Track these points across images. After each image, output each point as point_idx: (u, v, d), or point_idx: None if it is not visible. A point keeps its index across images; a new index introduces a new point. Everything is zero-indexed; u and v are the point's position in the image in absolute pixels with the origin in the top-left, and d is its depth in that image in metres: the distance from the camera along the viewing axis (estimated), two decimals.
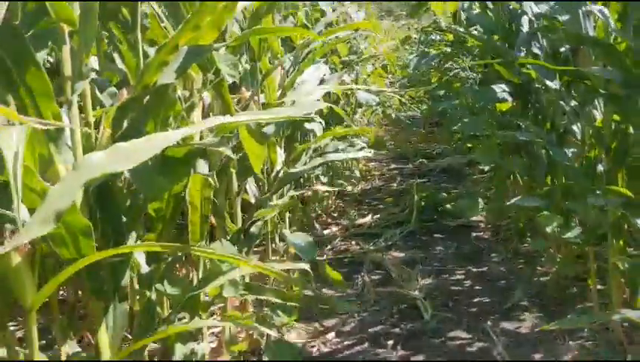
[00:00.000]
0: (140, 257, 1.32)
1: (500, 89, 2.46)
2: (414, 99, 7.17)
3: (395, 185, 4.78)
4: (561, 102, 2.11)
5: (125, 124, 1.09)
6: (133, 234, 1.16)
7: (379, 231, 3.46)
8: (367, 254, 3.07)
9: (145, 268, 1.33)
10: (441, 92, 3.98)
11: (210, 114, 1.59)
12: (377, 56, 3.66)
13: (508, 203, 2.02)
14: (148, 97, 1.06)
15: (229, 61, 1.17)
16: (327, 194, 3.76)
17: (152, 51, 1.46)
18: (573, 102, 2.03)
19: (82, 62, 0.98)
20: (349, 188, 4.49)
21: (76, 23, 0.97)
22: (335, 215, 3.81)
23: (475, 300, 2.45)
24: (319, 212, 3.78)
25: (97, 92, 1.38)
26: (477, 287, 2.59)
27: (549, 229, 2.19)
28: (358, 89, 3.59)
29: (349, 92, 3.76)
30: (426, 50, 3.99)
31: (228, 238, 1.74)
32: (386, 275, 2.80)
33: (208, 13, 1.03)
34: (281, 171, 2.40)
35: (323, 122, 3.41)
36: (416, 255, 3.06)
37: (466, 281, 2.67)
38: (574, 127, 2.07)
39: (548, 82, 2.11)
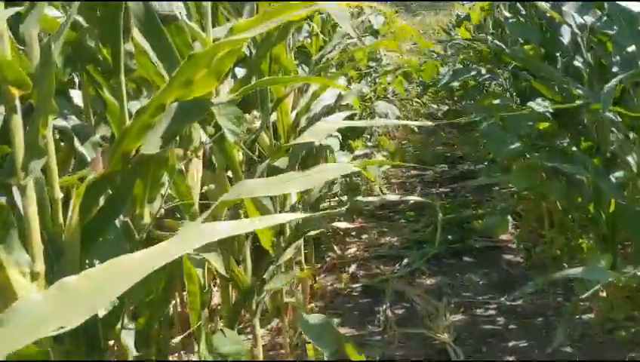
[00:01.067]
0: (128, 339, 1.11)
1: (540, 106, 2.21)
2: (435, 99, 6.90)
3: (415, 195, 4.53)
4: (613, 129, 1.86)
5: (101, 202, 0.87)
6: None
7: (401, 252, 3.23)
8: (390, 281, 2.85)
9: (134, 352, 1.12)
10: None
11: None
12: (397, 68, 3.41)
13: (559, 274, 1.78)
14: (127, 171, 0.84)
15: (232, 114, 0.94)
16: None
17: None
18: (631, 134, 1.78)
19: (38, 134, 0.76)
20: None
21: (29, 84, 0.75)
22: (353, 233, 3.58)
23: (511, 344, 2.21)
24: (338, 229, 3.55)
25: (77, 142, 1.16)
26: (512, 326, 2.35)
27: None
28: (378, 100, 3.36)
29: (368, 101, 3.52)
30: (456, 63, 3.73)
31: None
32: (410, 309, 2.57)
33: (203, 66, 0.81)
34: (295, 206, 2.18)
35: (340, 136, 3.19)
36: (443, 282, 2.83)
37: (498, 318, 2.43)
38: (629, 159, 1.82)
39: (596, 106, 1.86)
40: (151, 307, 1.02)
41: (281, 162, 1.77)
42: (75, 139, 1.16)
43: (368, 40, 3.25)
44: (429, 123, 2.27)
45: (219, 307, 1.93)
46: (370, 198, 2.91)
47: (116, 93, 1.03)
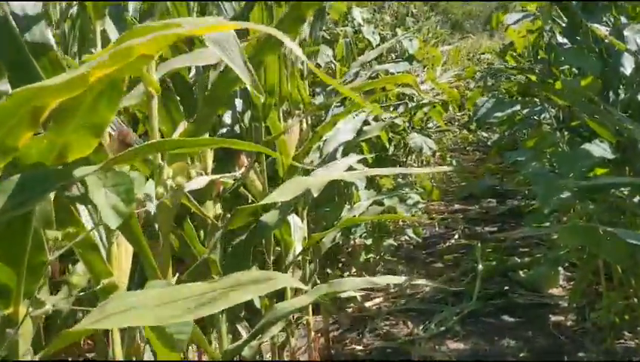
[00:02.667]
0: None
1: (599, 149, 1.82)
2: (485, 127, 6.47)
3: (457, 235, 4.13)
4: None
5: None
6: None
7: (433, 305, 2.85)
8: (416, 343, 2.48)
9: None
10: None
11: None
12: (434, 101, 3.06)
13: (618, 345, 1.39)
14: None
15: (122, 185, 0.64)
16: (372, 249, 3.18)
17: None
18: None
19: None
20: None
21: None
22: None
23: None
24: (363, 273, 3.21)
25: None
26: None
27: None
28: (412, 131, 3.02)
29: (402, 134, 3.18)
30: (496, 92, 3.36)
31: None
32: None
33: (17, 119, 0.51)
34: (299, 255, 1.87)
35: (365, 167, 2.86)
36: (479, 347, 2.44)
37: None
38: None
39: None
40: None
41: (270, 217, 1.46)
42: None
43: (402, 65, 2.93)
44: (458, 169, 1.91)
45: None
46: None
47: None
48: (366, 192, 2.60)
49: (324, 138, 1.91)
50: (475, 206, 5.04)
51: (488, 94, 3.58)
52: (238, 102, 1.72)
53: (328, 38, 2.71)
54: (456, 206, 5.10)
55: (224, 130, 1.78)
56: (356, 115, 2.21)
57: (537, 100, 2.27)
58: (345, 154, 2.53)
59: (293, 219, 1.93)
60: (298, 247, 1.89)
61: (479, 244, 3.28)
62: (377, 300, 2.95)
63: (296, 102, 1.95)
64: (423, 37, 3.91)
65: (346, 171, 1.72)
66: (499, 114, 2.02)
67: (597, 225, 1.82)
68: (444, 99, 3.32)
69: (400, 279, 1.66)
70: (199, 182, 1.20)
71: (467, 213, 4.82)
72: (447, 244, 3.92)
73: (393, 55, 3.03)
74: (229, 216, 1.43)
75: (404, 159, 3.26)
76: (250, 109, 1.54)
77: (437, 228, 4.37)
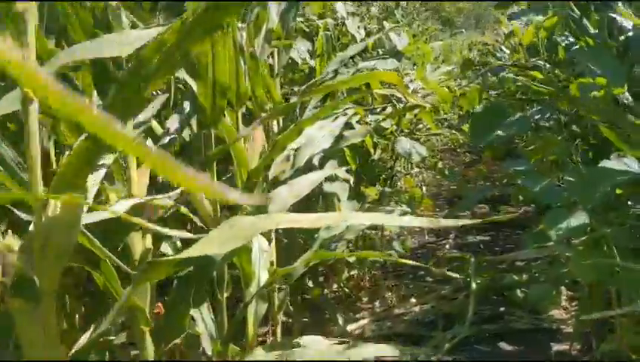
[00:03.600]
0: None
1: (622, 166, 1.54)
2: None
3: (448, 245, 3.85)
4: None
5: None
6: None
7: (421, 329, 2.57)
8: None
9: None
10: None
11: None
12: (421, 104, 2.76)
13: None
14: None
15: None
16: (356, 266, 2.89)
17: None
18: None
19: None
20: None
21: None
22: (365, 299, 2.93)
23: None
24: (346, 290, 2.91)
25: None
26: None
27: None
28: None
29: (389, 138, 2.89)
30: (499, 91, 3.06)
31: None
32: None
33: None
34: (265, 286, 1.57)
35: (352, 178, 2.57)
36: None
37: None
38: None
39: None
40: None
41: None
42: None
43: (390, 63, 2.63)
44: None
45: None
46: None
47: None
48: (349, 204, 2.31)
49: (294, 146, 1.61)
50: (466, 212, 4.77)
51: (487, 96, 3.29)
52: (187, 105, 1.42)
53: (307, 30, 2.41)
54: (447, 211, 4.83)
55: (168, 139, 1.49)
56: (336, 119, 1.92)
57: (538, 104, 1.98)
58: (323, 162, 2.24)
59: (257, 241, 1.64)
60: (263, 276, 1.60)
61: (472, 258, 2.99)
62: (362, 322, 2.66)
63: (263, 103, 1.65)
64: (413, 32, 3.62)
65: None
66: (501, 133, 1.71)
67: (615, 259, 1.54)
68: (434, 100, 3.03)
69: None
70: (119, 207, 0.91)
71: (459, 218, 4.54)
72: (438, 256, 3.64)
73: (380, 51, 2.73)
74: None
75: (392, 165, 2.97)
76: (197, 113, 1.24)
77: (426, 237, 4.10)
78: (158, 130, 1.56)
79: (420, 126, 3.99)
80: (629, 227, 1.67)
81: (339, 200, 2.43)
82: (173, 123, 1.54)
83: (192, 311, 1.36)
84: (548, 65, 2.07)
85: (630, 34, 1.67)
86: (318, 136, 1.85)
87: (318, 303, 2.64)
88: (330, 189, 2.36)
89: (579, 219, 1.60)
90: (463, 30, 8.83)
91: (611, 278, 1.55)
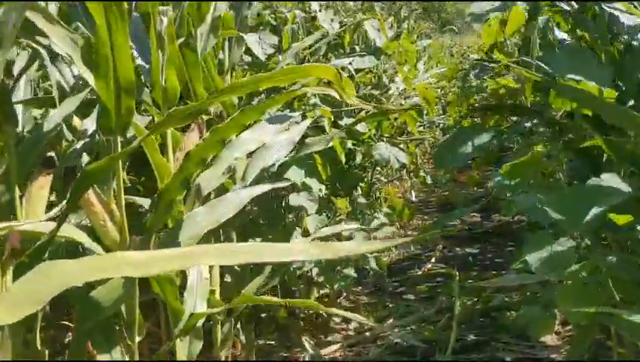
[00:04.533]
0: None
1: (615, 182, 1.29)
2: None
3: (434, 257, 3.60)
4: None
5: None
6: None
7: (400, 356, 2.32)
8: None
9: None
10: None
11: None
12: (407, 98, 2.52)
13: None
14: None
15: None
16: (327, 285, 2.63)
17: None
18: None
19: None
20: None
21: None
22: (339, 319, 2.67)
23: None
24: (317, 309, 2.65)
25: None
26: None
27: None
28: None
29: (368, 142, 2.63)
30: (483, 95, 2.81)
31: None
32: None
33: None
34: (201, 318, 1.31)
35: (324, 188, 2.31)
36: None
37: None
38: None
39: None
40: None
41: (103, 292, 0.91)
42: None
43: (367, 60, 2.38)
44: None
45: None
46: None
47: None
48: (316, 219, 2.06)
49: (238, 155, 1.35)
50: (456, 220, 4.52)
51: (473, 101, 3.03)
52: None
53: (274, 23, 2.15)
54: (436, 218, 4.58)
55: (82, 143, 1.24)
56: (297, 122, 1.67)
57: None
58: (283, 171, 2.00)
59: (196, 267, 1.38)
60: (200, 308, 1.34)
61: (457, 275, 2.74)
62: (334, 347, 2.41)
63: (200, 95, 1.39)
64: (401, 30, 3.36)
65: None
66: (465, 150, 1.44)
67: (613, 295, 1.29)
68: (421, 101, 2.77)
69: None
70: None
71: (447, 227, 4.29)
72: (422, 270, 3.39)
73: (357, 48, 2.48)
74: None
75: (370, 173, 2.72)
76: (99, 116, 0.98)
77: (412, 248, 3.84)
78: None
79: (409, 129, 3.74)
80: (631, 254, 1.42)
81: (307, 213, 2.19)
82: (89, 124, 1.29)
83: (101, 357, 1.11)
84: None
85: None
86: (273, 143, 1.61)
87: (284, 324, 2.39)
88: (297, 202, 2.11)
89: (564, 245, 1.36)
90: (455, 29, 8.55)
91: (609, 318, 1.30)
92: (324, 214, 2.17)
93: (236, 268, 1.72)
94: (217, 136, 0.98)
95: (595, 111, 1.24)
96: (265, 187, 1.27)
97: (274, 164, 1.70)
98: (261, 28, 2.10)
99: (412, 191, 5.12)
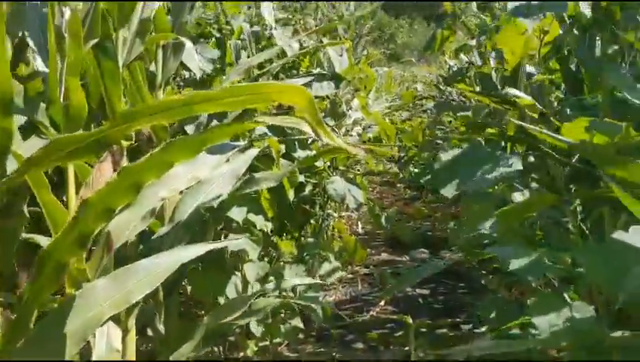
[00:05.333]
0: None
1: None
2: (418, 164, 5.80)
3: (383, 299, 3.35)
4: None
5: None
6: None
7: None
8: None
9: None
10: None
11: None
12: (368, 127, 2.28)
13: None
14: None
15: None
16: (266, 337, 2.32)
17: None
18: None
19: None
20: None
21: None
22: None
23: None
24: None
25: None
26: None
27: None
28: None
29: (321, 175, 2.37)
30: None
31: None
32: None
33: None
34: None
35: (269, 226, 2.02)
36: None
37: None
38: None
39: None
40: None
41: None
42: None
43: (325, 86, 2.13)
44: None
45: None
46: None
47: None
48: (257, 266, 1.77)
49: (163, 194, 1.05)
50: (404, 256, 4.31)
51: (430, 134, 2.82)
52: None
53: (218, 35, 1.87)
54: (384, 255, 4.35)
55: None
56: (241, 151, 1.39)
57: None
58: (227, 208, 1.70)
59: (104, 336, 1.06)
60: None
61: (411, 321, 2.49)
62: None
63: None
64: (356, 56, 3.15)
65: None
66: (486, 173, 1.18)
67: None
68: (379, 132, 2.54)
69: None
70: None
71: (397, 266, 4.07)
72: (371, 313, 3.13)
73: (315, 71, 2.22)
74: None
75: (322, 209, 2.45)
76: None
77: (360, 287, 3.58)
78: None
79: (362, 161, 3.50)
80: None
81: (248, 258, 1.89)
82: None
83: None
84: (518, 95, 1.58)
85: None
86: (212, 177, 1.31)
87: None
88: (235, 247, 1.81)
89: (582, 312, 1.11)
90: (413, 60, 8.46)
91: None
92: (265, 260, 1.88)
93: (160, 328, 1.39)
94: (129, 178, 0.69)
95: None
96: (201, 248, 0.97)
97: (214, 199, 1.41)
98: (201, 40, 1.81)
99: (359, 223, 4.91)
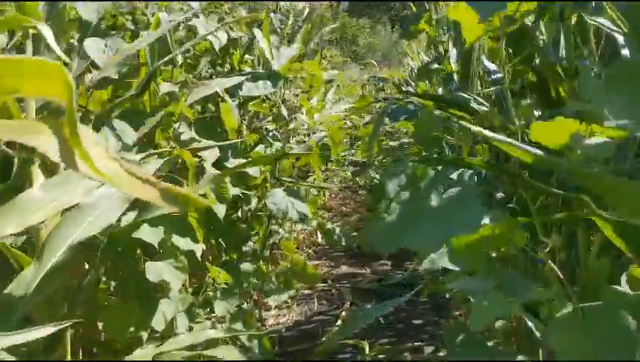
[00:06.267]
0: None
1: None
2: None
3: (340, 319, 3.08)
4: None
5: None
6: None
7: None
8: None
9: None
10: None
11: None
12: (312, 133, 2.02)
13: None
14: None
15: None
16: None
17: None
18: None
19: None
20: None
21: None
22: None
23: None
24: None
25: None
26: None
27: None
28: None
29: (262, 188, 2.09)
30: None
31: None
32: None
33: None
34: None
35: (200, 249, 1.74)
36: None
37: None
38: None
39: None
40: None
41: None
42: None
43: (261, 86, 1.86)
44: None
45: None
46: None
47: None
48: (174, 302, 1.48)
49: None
50: (365, 269, 4.06)
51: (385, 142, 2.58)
52: None
53: (132, 27, 1.58)
54: (344, 268, 4.09)
55: None
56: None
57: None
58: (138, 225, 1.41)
59: None
60: None
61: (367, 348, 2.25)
62: None
63: None
64: (303, 52, 2.88)
65: None
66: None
67: None
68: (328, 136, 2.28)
69: None
70: None
71: (357, 279, 3.83)
72: (327, 336, 2.86)
73: (248, 69, 1.95)
74: None
75: (265, 224, 2.17)
76: None
77: (316, 305, 3.31)
78: None
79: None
80: None
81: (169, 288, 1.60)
82: None
83: None
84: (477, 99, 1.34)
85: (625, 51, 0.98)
86: (97, 202, 1.03)
87: None
88: (157, 277, 1.52)
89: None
90: (374, 62, 8.23)
91: None
92: (189, 290, 1.60)
93: None
94: None
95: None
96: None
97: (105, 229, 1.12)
98: (112, 33, 1.52)
99: (318, 233, 4.65)
